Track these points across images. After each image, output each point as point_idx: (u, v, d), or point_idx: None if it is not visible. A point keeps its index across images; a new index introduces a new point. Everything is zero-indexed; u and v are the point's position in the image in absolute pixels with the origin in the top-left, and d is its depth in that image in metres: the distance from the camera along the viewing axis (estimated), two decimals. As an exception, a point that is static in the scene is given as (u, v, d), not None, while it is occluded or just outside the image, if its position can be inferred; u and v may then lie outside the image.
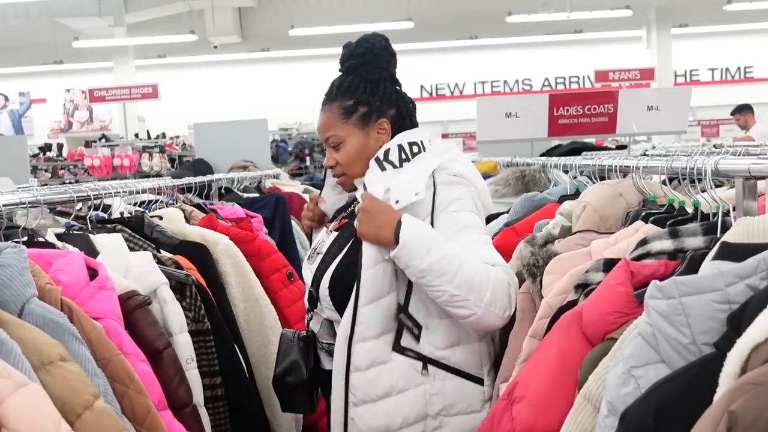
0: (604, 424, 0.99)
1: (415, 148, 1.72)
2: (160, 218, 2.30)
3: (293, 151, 9.93)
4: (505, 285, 1.57)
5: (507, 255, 1.85)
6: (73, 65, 14.50)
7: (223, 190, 3.55)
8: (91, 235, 1.80)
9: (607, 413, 0.99)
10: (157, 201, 2.67)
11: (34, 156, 10.38)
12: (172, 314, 1.68)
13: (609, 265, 1.34)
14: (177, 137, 10.57)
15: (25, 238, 1.63)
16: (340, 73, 1.83)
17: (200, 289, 1.90)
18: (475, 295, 1.53)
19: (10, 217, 1.76)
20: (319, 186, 2.10)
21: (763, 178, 1.25)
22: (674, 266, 1.23)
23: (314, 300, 1.80)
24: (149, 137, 10.24)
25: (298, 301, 2.46)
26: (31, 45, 13.33)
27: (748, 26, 14.22)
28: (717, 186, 1.46)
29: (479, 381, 1.69)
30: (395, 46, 1.85)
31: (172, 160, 9.27)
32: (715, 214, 1.34)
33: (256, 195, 3.75)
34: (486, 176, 2.91)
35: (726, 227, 1.17)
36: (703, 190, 1.43)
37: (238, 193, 3.66)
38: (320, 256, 1.80)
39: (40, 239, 1.70)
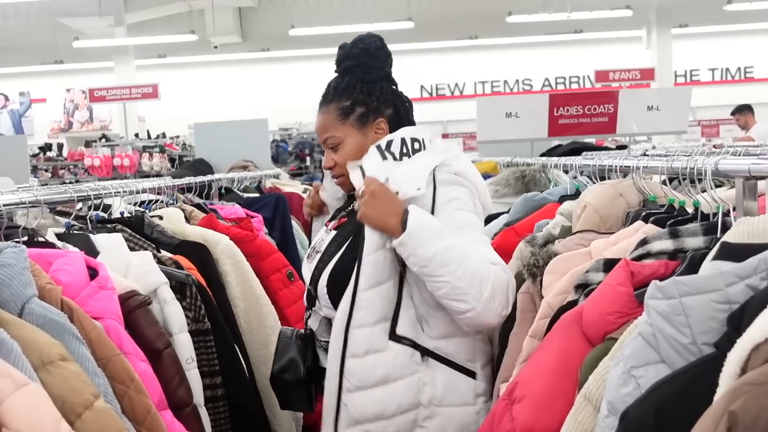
0: (604, 424, 0.99)
1: (417, 145, 1.73)
2: (161, 218, 2.30)
3: (293, 151, 9.93)
4: (504, 284, 1.57)
5: (507, 255, 1.85)
6: (73, 65, 14.50)
7: (223, 190, 3.55)
8: (91, 235, 1.80)
9: (607, 413, 0.99)
10: (157, 201, 2.67)
11: (35, 156, 10.38)
12: (173, 314, 1.68)
13: (609, 265, 1.34)
14: (177, 137, 10.58)
15: (26, 238, 1.63)
16: (336, 75, 1.84)
17: (200, 289, 1.90)
18: (476, 289, 1.53)
19: (10, 216, 1.76)
20: (320, 186, 2.11)
21: (763, 178, 1.25)
22: (674, 266, 1.23)
23: (312, 298, 1.80)
24: (149, 137, 10.25)
25: (298, 301, 2.46)
26: (31, 45, 13.33)
27: (748, 26, 14.22)
28: (717, 186, 1.46)
29: (471, 374, 1.69)
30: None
31: (172, 160, 9.28)
32: (715, 215, 1.34)
33: (256, 195, 3.76)
34: (486, 176, 2.91)
35: (726, 227, 1.17)
36: (704, 190, 1.43)
37: (239, 193, 3.66)
38: (319, 255, 1.81)
39: (41, 239, 1.70)
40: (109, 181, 2.61)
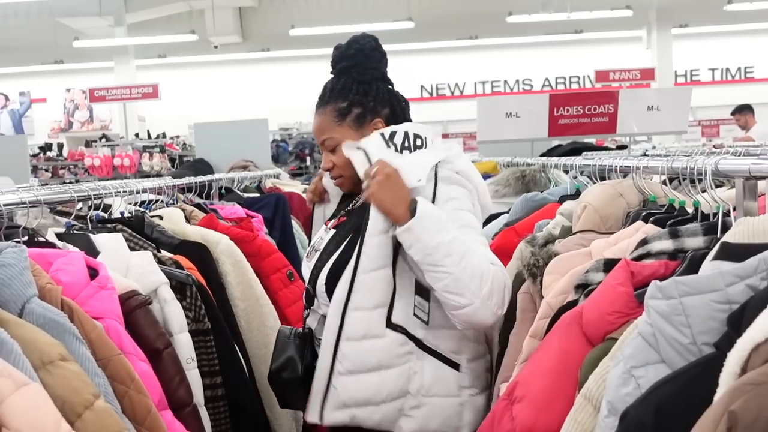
0: (604, 424, 0.99)
1: (419, 141, 1.73)
2: (161, 218, 2.30)
3: (293, 151, 9.93)
4: (502, 284, 1.58)
5: (507, 255, 1.85)
6: (73, 65, 14.51)
7: (223, 190, 3.55)
8: (91, 235, 1.80)
9: (608, 413, 0.99)
10: (157, 201, 2.67)
11: (35, 156, 10.38)
12: (173, 314, 1.68)
13: (609, 265, 1.34)
14: (177, 137, 10.59)
15: (26, 238, 1.63)
16: (332, 76, 1.84)
17: (200, 288, 1.90)
18: (476, 284, 1.54)
19: (10, 216, 1.76)
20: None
21: (763, 178, 1.25)
22: (674, 266, 1.23)
23: (311, 297, 1.81)
24: (149, 137, 10.26)
25: (299, 301, 2.45)
26: (31, 45, 13.33)
27: (748, 26, 14.23)
28: (717, 186, 1.46)
29: (455, 366, 1.70)
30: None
31: (172, 160, 9.28)
32: (715, 215, 1.34)
33: (257, 195, 3.75)
34: (486, 176, 2.91)
35: (726, 227, 1.17)
36: (704, 190, 1.43)
37: (239, 192, 3.66)
38: (318, 254, 1.81)
39: (41, 239, 1.70)
40: (109, 181, 2.61)
